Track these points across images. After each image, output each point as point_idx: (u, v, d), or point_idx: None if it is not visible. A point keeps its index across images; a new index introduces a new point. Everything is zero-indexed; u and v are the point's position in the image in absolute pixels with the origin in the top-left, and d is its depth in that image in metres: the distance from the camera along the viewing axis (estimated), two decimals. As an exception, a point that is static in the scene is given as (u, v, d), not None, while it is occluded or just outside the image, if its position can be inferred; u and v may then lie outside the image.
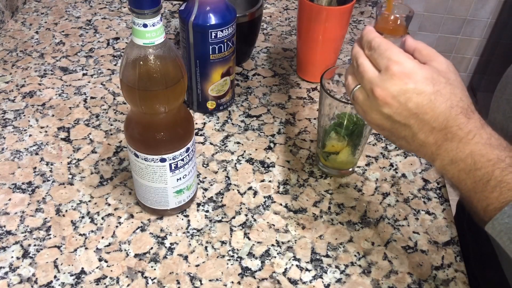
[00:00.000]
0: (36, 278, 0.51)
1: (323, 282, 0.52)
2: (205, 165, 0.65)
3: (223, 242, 0.56)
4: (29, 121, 0.70)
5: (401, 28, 0.46)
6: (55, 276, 0.52)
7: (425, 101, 0.40)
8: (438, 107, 0.40)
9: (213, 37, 0.63)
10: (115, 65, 0.81)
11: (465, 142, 0.40)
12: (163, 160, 0.50)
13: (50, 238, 0.55)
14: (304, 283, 0.52)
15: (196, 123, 0.71)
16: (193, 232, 0.57)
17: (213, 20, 0.62)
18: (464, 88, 0.42)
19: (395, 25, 0.46)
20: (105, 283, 0.51)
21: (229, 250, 0.55)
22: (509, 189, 0.38)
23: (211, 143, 0.68)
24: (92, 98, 0.74)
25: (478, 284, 0.60)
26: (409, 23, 0.47)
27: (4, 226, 0.56)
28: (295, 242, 0.56)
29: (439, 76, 0.41)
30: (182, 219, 0.58)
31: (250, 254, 0.55)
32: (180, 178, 0.53)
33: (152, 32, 0.43)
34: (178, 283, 0.52)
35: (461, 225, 0.69)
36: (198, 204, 0.60)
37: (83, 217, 0.57)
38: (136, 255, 0.54)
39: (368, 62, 0.43)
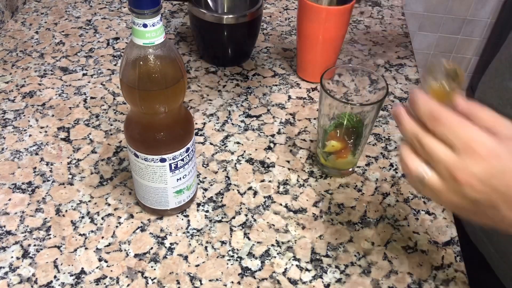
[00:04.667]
0: (36, 278, 0.51)
1: (323, 282, 0.52)
2: (205, 165, 0.65)
3: (223, 242, 0.56)
4: (29, 121, 0.70)
5: (455, 95, 0.41)
6: (55, 276, 0.52)
7: None
8: None
9: None
10: (115, 65, 0.81)
11: None
12: (163, 160, 0.50)
13: (50, 238, 0.55)
14: (304, 283, 0.52)
15: (196, 123, 0.71)
16: (193, 232, 0.57)
17: None
18: None
19: (446, 93, 0.41)
20: (105, 283, 0.51)
21: (229, 250, 0.55)
22: None
23: (211, 143, 0.68)
24: (92, 98, 0.74)
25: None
26: (461, 86, 0.41)
27: (4, 226, 0.56)
28: (295, 242, 0.56)
29: None
30: (182, 219, 0.58)
31: (250, 254, 0.55)
32: (180, 178, 0.53)
33: (152, 32, 0.43)
34: (178, 283, 0.52)
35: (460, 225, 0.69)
36: (198, 204, 0.60)
37: (83, 217, 0.57)
38: (136, 255, 0.54)
39: (436, 142, 0.39)
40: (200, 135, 0.69)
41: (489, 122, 0.38)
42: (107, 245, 0.55)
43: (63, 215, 0.58)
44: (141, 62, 0.44)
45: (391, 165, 0.66)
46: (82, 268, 0.52)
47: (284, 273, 0.53)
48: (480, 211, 0.39)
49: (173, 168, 0.52)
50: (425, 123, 0.39)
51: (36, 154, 0.65)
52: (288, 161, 0.66)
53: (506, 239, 0.56)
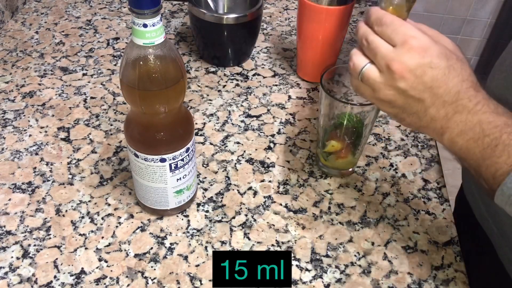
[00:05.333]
0: (36, 278, 0.51)
1: (323, 282, 0.52)
2: (205, 165, 0.65)
3: (223, 242, 0.56)
4: (29, 121, 0.70)
5: (403, 12, 0.46)
6: (55, 276, 0.52)
7: (439, 75, 0.41)
8: (451, 81, 0.41)
9: None
10: (115, 65, 0.81)
11: (474, 112, 0.41)
12: (163, 160, 0.50)
13: (50, 238, 0.55)
14: (304, 283, 0.52)
15: (196, 123, 0.71)
16: (193, 232, 0.57)
17: None
18: (470, 66, 0.43)
19: (398, 10, 0.46)
20: (105, 283, 0.51)
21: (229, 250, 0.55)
22: None
23: (211, 143, 0.68)
24: (92, 98, 0.74)
25: (475, 274, 0.60)
26: (411, 6, 0.46)
27: (4, 226, 0.56)
28: (295, 242, 0.56)
29: (450, 52, 0.42)
30: (182, 219, 0.58)
31: (250, 254, 0.55)
32: (180, 178, 0.53)
33: (152, 32, 0.43)
34: (178, 283, 0.52)
35: (460, 212, 0.69)
36: (198, 204, 0.60)
37: (83, 217, 0.57)
38: (136, 255, 0.54)
39: (380, 39, 0.43)
40: (200, 135, 0.69)
41: (433, 36, 0.43)
42: (107, 245, 0.55)
43: (63, 215, 0.58)
44: (141, 62, 0.44)
45: (391, 165, 0.66)
46: (82, 268, 0.52)
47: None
48: (410, 107, 0.43)
49: (173, 168, 0.52)
50: (373, 26, 0.44)
51: (36, 154, 0.65)
52: (288, 161, 0.66)
53: (508, 219, 0.56)
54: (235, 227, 0.57)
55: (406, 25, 0.42)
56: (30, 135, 0.67)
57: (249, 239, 0.56)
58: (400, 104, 0.44)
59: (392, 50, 0.42)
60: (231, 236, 0.56)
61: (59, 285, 0.51)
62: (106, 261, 0.53)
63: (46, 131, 0.68)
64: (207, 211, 0.59)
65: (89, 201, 0.59)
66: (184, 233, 0.56)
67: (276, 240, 0.56)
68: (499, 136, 0.40)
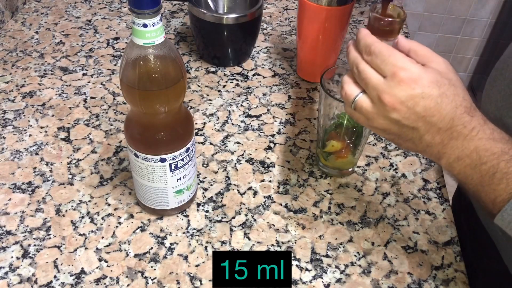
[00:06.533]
0: (36, 278, 0.51)
1: (323, 282, 0.52)
2: (205, 165, 0.65)
3: (223, 242, 0.56)
4: (29, 121, 0.70)
5: (395, 30, 0.46)
6: (55, 276, 0.52)
7: (432, 104, 0.41)
8: (444, 109, 0.41)
9: None
10: (115, 65, 0.81)
11: (470, 139, 0.41)
12: (163, 160, 0.50)
13: (50, 238, 0.55)
14: (304, 283, 0.52)
15: (196, 123, 0.71)
16: (193, 232, 0.57)
17: None
18: (463, 86, 0.43)
19: (389, 28, 0.46)
20: (105, 283, 0.51)
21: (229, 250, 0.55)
22: None
23: (211, 143, 0.68)
24: (92, 98, 0.74)
25: (476, 274, 0.60)
26: (402, 25, 0.47)
27: (4, 226, 0.56)
28: (295, 242, 0.56)
29: (442, 78, 0.42)
30: (182, 219, 0.58)
31: (250, 254, 0.55)
32: (180, 178, 0.53)
33: (152, 32, 0.43)
34: (178, 283, 0.52)
35: (458, 216, 0.69)
36: (198, 204, 0.60)
37: (83, 217, 0.57)
38: (136, 255, 0.54)
39: (370, 69, 0.43)
40: (200, 135, 0.69)
41: (424, 57, 0.43)
42: (107, 245, 0.55)
43: (63, 215, 0.58)
44: (141, 62, 0.44)
45: (391, 165, 0.66)
46: (82, 268, 0.52)
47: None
48: (404, 134, 0.43)
49: (173, 168, 0.52)
50: (362, 53, 0.44)
51: (36, 154, 0.65)
52: (288, 161, 0.66)
53: None
54: (235, 227, 0.57)
55: (395, 54, 0.42)
56: (30, 135, 0.67)
57: (249, 239, 0.56)
58: (395, 132, 0.44)
59: (383, 82, 0.42)
60: (231, 236, 0.56)
61: (59, 285, 0.51)
62: (106, 261, 0.53)
63: (46, 131, 0.68)
64: (207, 211, 0.59)
65: (89, 201, 0.59)
66: (184, 233, 0.56)
67: (276, 240, 0.56)
68: (496, 164, 0.40)
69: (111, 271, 0.52)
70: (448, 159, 0.43)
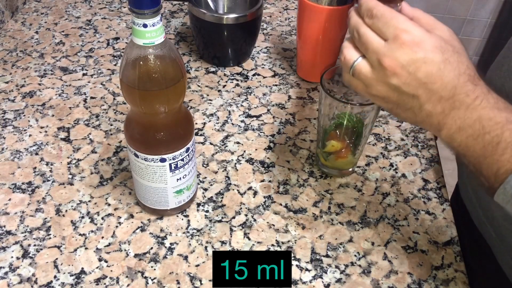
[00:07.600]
0: (36, 278, 0.51)
1: (323, 282, 0.52)
2: (205, 165, 0.65)
3: (223, 242, 0.56)
4: (29, 121, 0.70)
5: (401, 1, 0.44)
6: (55, 276, 0.52)
7: (434, 70, 0.39)
8: (446, 76, 0.39)
9: None
10: (115, 65, 0.81)
11: (473, 108, 0.39)
12: (163, 160, 0.50)
13: (50, 238, 0.55)
14: (304, 283, 0.52)
15: (196, 123, 0.71)
16: (193, 232, 0.57)
17: None
18: (467, 55, 0.41)
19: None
20: (105, 283, 0.51)
21: (229, 250, 0.55)
22: None
23: (211, 143, 0.68)
24: (92, 98, 0.74)
25: (475, 275, 0.60)
26: None
27: (4, 226, 0.56)
28: (295, 242, 0.56)
29: (446, 44, 0.40)
30: (182, 219, 0.58)
31: (250, 254, 0.55)
32: (180, 178, 0.53)
33: (152, 32, 0.43)
34: (178, 283, 0.52)
35: (456, 216, 0.69)
36: (198, 204, 0.60)
37: (83, 217, 0.57)
38: (136, 255, 0.54)
39: (371, 32, 0.41)
40: (200, 135, 0.69)
41: (428, 25, 0.41)
42: (107, 245, 0.55)
43: (63, 215, 0.58)
44: (141, 62, 0.44)
45: (391, 165, 0.66)
46: (82, 268, 0.52)
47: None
48: (404, 103, 0.41)
49: (173, 168, 0.52)
50: (364, 17, 0.42)
51: (36, 154, 0.65)
52: (288, 161, 0.66)
53: (506, 223, 0.56)
54: (235, 227, 0.57)
55: (398, 17, 0.40)
56: (30, 135, 0.67)
57: (249, 239, 0.56)
58: (394, 100, 0.42)
59: (384, 45, 0.40)
60: (231, 236, 0.56)
61: (59, 285, 0.51)
62: (106, 261, 0.53)
63: (46, 131, 0.68)
64: (207, 211, 0.59)
65: (89, 201, 0.59)
66: (184, 233, 0.56)
67: (276, 240, 0.56)
68: (500, 133, 0.38)
69: (111, 271, 0.52)
70: (449, 130, 0.41)
